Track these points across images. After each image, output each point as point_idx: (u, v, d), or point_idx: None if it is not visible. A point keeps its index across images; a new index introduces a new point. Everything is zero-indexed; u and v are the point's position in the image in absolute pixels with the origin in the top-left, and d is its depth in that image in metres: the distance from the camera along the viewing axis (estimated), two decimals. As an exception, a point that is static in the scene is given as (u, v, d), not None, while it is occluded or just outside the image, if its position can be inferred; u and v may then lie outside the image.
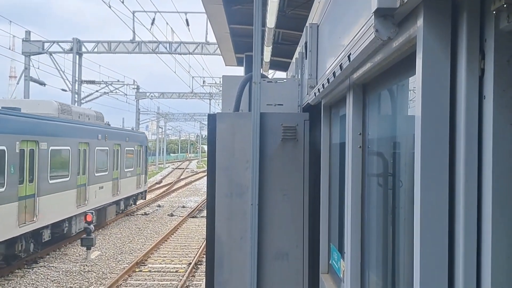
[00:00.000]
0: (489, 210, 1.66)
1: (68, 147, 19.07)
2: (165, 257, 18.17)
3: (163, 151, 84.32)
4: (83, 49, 32.86)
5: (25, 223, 15.61)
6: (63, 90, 33.63)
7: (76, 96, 33.78)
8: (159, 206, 32.37)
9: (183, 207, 32.11)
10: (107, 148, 23.37)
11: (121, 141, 25.60)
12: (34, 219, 16.29)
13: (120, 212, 26.22)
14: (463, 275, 1.75)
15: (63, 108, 19.89)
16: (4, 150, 14.48)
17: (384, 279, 3.02)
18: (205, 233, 5.89)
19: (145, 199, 31.46)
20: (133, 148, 27.99)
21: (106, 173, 23.24)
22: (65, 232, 19.11)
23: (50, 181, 17.55)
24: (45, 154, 17.13)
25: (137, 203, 29.67)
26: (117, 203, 25.17)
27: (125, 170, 26.35)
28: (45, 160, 17.14)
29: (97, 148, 21.93)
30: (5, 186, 14.41)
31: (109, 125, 25.98)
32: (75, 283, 14.73)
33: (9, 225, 14.70)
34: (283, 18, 9.66)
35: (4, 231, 14.44)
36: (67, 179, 19.01)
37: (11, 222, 14.83)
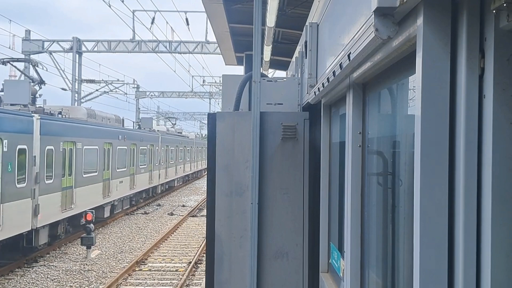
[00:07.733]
0: (489, 209, 1.66)
1: (192, 147, 51.93)
2: (165, 256, 18.18)
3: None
4: (83, 48, 32.82)
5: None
6: (63, 89, 33.59)
7: (76, 95, 33.77)
8: (159, 205, 32.40)
9: (183, 206, 32.13)
10: (200, 148, 57.04)
11: (202, 145, 58.66)
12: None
13: (198, 176, 59.56)
14: (463, 273, 1.75)
15: (194, 136, 60.01)
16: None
17: (384, 278, 3.02)
18: (205, 232, 5.89)
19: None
20: (202, 148, 60.40)
21: (201, 157, 57.53)
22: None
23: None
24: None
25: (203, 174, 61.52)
26: (197, 172, 57.60)
27: (203, 157, 58.93)
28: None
29: (197, 147, 55.08)
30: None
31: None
32: (75, 282, 14.73)
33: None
34: (283, 17, 9.65)
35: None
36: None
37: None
